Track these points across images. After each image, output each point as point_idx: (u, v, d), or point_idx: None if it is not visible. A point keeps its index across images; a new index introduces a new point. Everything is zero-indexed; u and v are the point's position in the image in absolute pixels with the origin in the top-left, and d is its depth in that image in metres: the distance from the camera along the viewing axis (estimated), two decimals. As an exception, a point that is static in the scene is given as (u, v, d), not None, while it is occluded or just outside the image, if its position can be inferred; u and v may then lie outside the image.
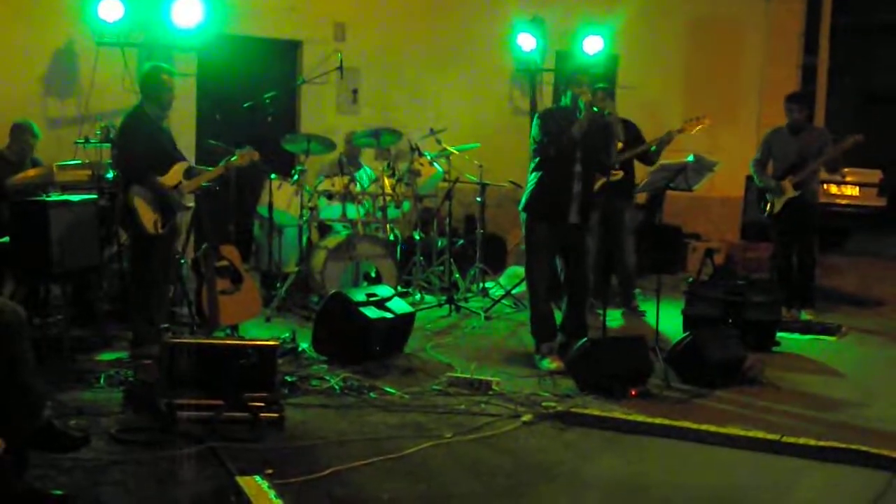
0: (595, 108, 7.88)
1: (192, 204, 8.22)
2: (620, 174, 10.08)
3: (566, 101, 8.18)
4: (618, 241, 10.55)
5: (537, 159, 8.19)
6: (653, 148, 10.10)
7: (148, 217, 7.81)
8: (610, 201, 10.14)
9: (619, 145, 9.66)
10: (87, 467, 5.37)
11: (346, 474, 5.44)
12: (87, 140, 9.77)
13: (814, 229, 10.52)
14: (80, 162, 9.30)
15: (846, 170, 12.21)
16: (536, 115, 8.34)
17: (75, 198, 8.05)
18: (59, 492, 4.92)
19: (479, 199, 11.20)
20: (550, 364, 8.00)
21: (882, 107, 23.35)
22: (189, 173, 8.14)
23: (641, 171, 10.42)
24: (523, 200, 8.30)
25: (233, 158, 8.38)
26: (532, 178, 8.22)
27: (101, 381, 7.06)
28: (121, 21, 10.59)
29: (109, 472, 5.35)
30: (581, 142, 7.97)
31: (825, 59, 15.32)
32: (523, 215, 8.31)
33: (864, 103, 24.05)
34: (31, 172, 8.86)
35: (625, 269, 10.66)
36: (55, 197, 7.97)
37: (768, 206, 10.43)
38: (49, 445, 5.36)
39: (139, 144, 7.91)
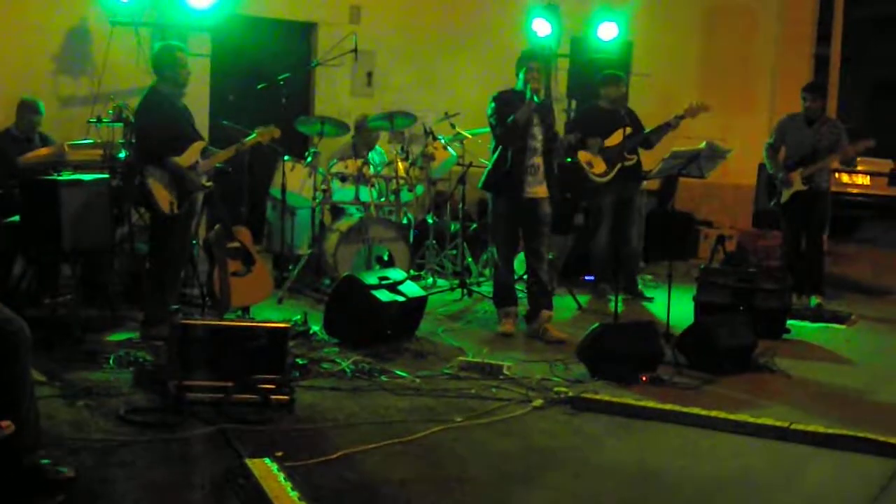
0: (536, 99, 8.36)
1: (209, 184, 8.18)
2: (634, 159, 10.22)
3: (519, 83, 8.59)
4: (627, 225, 10.56)
5: (494, 140, 8.75)
6: (663, 130, 10.17)
7: (163, 197, 7.78)
8: (622, 186, 10.25)
9: (628, 130, 9.73)
10: (95, 448, 5.38)
11: (356, 457, 5.45)
12: (99, 119, 9.74)
13: (824, 218, 10.53)
14: (92, 141, 9.28)
15: (857, 159, 12.21)
16: (491, 98, 8.75)
17: (87, 177, 8.05)
18: (65, 470, 4.89)
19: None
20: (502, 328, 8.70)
21: (894, 97, 23.31)
22: (205, 153, 8.12)
23: (647, 157, 10.45)
24: (483, 179, 8.81)
25: (251, 136, 8.38)
26: (492, 158, 8.73)
27: (111, 361, 7.05)
28: (134, 0, 10.59)
29: (117, 454, 5.35)
30: (538, 120, 8.55)
31: (838, 49, 15.26)
32: (487, 194, 8.86)
33: (875, 94, 24.01)
34: (43, 151, 8.84)
35: (631, 253, 10.68)
36: (67, 176, 7.97)
37: (777, 195, 10.46)
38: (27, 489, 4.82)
39: (154, 125, 7.85)
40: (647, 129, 10.35)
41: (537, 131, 8.56)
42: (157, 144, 7.81)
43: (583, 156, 10.31)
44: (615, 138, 10.22)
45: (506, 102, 8.56)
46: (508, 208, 8.64)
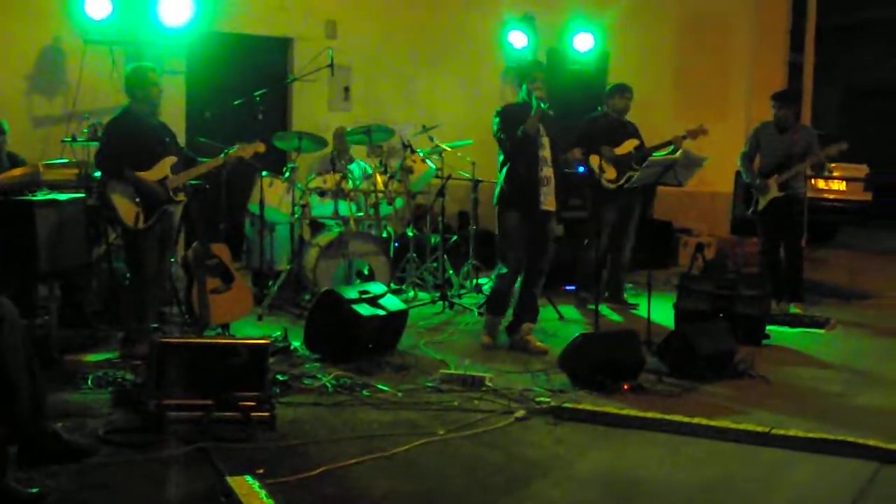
0: (544, 106, 8.25)
1: (182, 198, 8.16)
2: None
3: (522, 95, 8.51)
4: (624, 235, 10.61)
5: (503, 154, 8.60)
6: (674, 152, 10.19)
7: (128, 211, 7.80)
8: (626, 197, 10.30)
9: (636, 143, 9.80)
10: (74, 470, 5.33)
11: (338, 473, 5.43)
12: (74, 139, 9.71)
13: (800, 225, 10.58)
14: (67, 161, 9.25)
15: (833, 165, 12.30)
16: (496, 112, 8.64)
17: (63, 197, 8.01)
18: (35, 490, 4.88)
19: (474, 195, 11.14)
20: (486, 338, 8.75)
21: (867, 102, 23.46)
22: (176, 167, 8.10)
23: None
24: (497, 194, 8.64)
25: (233, 150, 8.36)
26: (502, 172, 8.58)
27: (90, 381, 7.00)
28: (108, 19, 10.57)
29: (97, 474, 5.31)
30: (545, 131, 8.45)
31: (811, 56, 15.38)
32: (498, 208, 8.65)
33: (849, 99, 24.13)
34: (17, 171, 8.75)
35: (620, 263, 10.71)
36: (42, 196, 7.93)
37: (754, 202, 10.52)
38: (52, 456, 5.33)
39: (115, 142, 7.90)
40: (649, 146, 10.40)
41: (545, 141, 8.48)
42: (112, 159, 7.85)
43: (594, 160, 10.31)
44: (624, 148, 10.30)
45: (511, 115, 8.48)
46: (523, 221, 8.50)
